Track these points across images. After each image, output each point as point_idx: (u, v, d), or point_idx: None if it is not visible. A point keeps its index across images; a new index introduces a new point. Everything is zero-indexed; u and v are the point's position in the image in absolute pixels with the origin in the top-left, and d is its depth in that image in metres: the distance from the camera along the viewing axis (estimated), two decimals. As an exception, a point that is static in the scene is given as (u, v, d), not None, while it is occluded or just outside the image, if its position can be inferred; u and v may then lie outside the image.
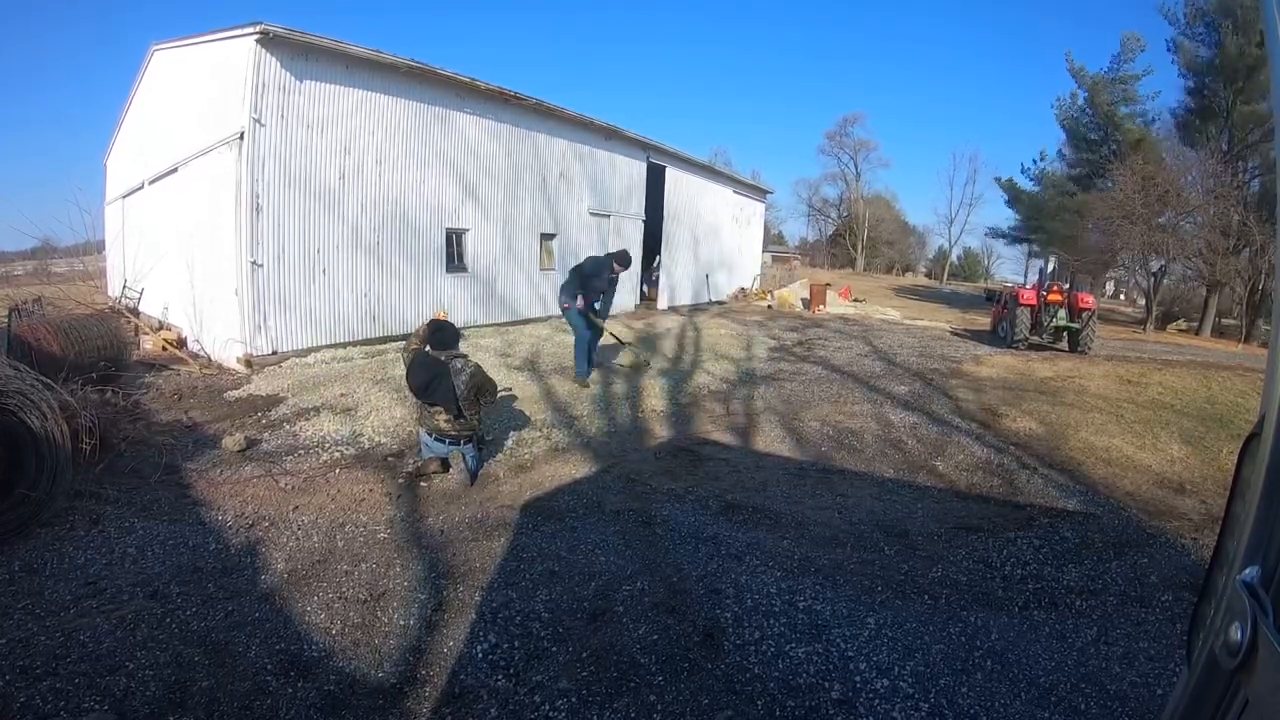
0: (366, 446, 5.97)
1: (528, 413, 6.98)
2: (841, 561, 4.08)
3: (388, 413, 6.76)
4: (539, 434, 6.43)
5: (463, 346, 5.66)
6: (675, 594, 3.55)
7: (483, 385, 5.13)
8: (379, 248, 10.66)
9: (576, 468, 5.65)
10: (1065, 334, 14.28)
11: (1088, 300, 14.10)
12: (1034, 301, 14.17)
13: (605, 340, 9.01)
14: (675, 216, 19.34)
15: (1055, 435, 7.04)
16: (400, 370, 8.37)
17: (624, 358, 9.52)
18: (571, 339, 8.39)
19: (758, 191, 27.06)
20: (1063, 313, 14.15)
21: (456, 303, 12.20)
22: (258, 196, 8.89)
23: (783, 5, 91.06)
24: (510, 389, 7.67)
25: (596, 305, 8.29)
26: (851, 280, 36.51)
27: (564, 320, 8.98)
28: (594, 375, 8.42)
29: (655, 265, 19.72)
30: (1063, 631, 3.37)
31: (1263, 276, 23.38)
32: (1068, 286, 14.84)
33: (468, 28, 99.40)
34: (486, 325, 12.67)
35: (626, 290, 17.61)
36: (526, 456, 5.88)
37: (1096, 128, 30.84)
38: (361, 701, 2.72)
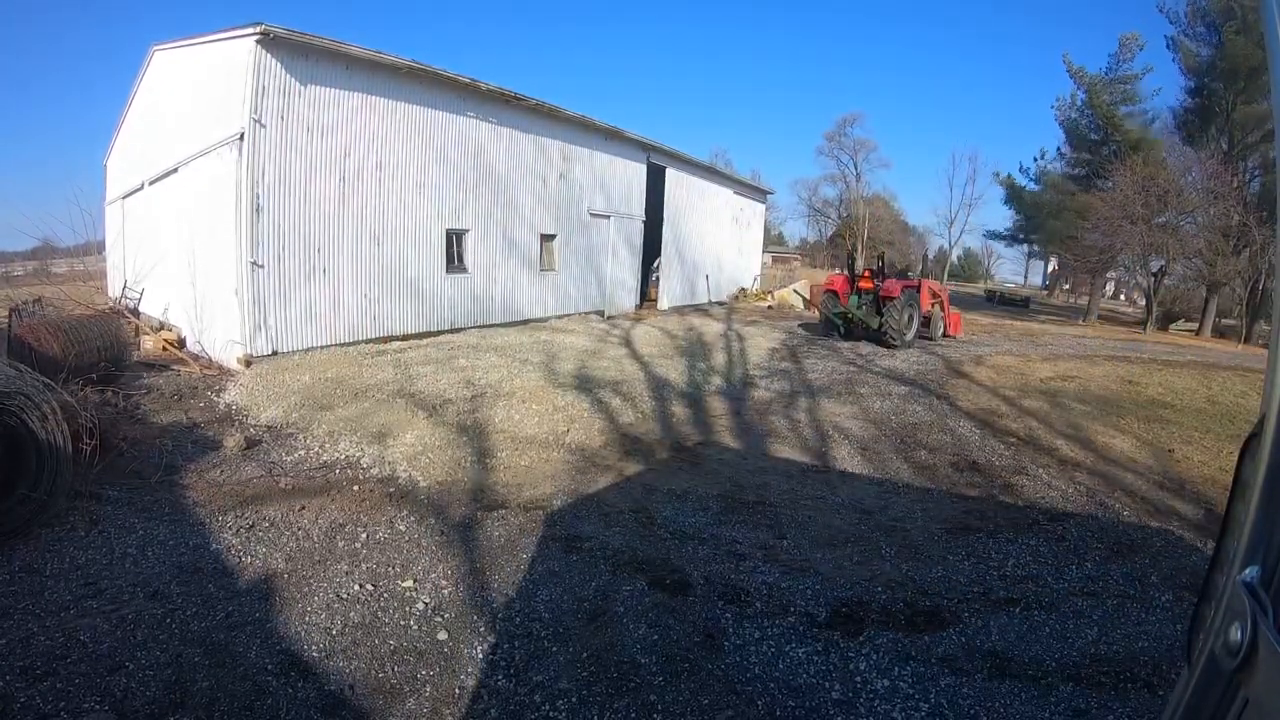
0: (367, 446, 5.96)
1: (527, 412, 6.97)
2: (841, 561, 4.08)
3: (387, 411, 6.76)
4: (536, 433, 6.43)
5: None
6: (675, 594, 3.56)
7: None
8: (379, 248, 10.66)
9: (577, 467, 5.64)
10: (866, 327, 12.85)
11: (894, 289, 12.78)
12: (840, 287, 13.32)
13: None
14: (676, 217, 19.34)
15: (1055, 435, 7.04)
16: (400, 371, 8.37)
17: None
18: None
19: (758, 192, 27.07)
20: (855, 299, 13.11)
21: (456, 303, 12.20)
22: (258, 197, 8.89)
23: (782, 6, 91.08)
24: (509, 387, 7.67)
25: None
26: (852, 280, 36.38)
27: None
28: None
29: (655, 266, 19.72)
30: (1063, 631, 3.37)
31: (1263, 276, 23.37)
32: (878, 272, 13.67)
33: (469, 31, 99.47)
34: (486, 326, 12.67)
35: (627, 290, 17.64)
36: (526, 454, 5.87)
37: (1096, 128, 30.81)
38: (361, 701, 2.72)
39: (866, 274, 13.48)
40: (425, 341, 10.74)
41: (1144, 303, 29.27)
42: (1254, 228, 22.78)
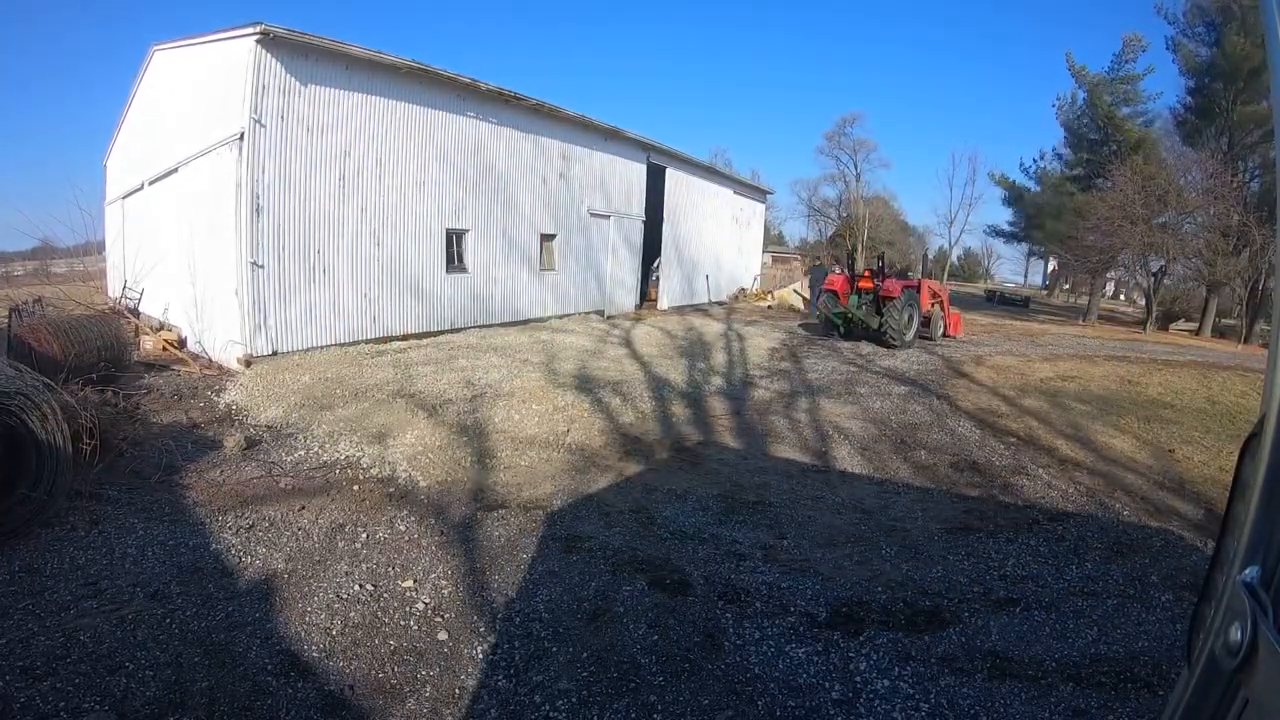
0: (367, 446, 5.96)
1: (527, 412, 6.97)
2: (841, 561, 4.08)
3: (387, 411, 6.76)
4: (537, 433, 6.43)
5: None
6: (675, 594, 3.55)
7: None
8: (379, 248, 10.66)
9: (577, 467, 5.64)
10: (866, 327, 12.93)
11: (894, 289, 12.89)
12: (840, 287, 13.38)
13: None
14: (676, 217, 19.34)
15: (1055, 435, 7.04)
16: (400, 371, 8.38)
17: None
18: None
19: (758, 192, 27.07)
20: (855, 299, 13.15)
21: (456, 303, 12.20)
22: (258, 197, 8.89)
23: (782, 6, 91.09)
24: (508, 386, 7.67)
25: None
26: (851, 280, 36.33)
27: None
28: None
29: (655, 266, 19.72)
30: (1063, 631, 3.37)
31: (1263, 276, 23.36)
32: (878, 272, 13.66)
33: (469, 31, 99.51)
34: (486, 326, 12.67)
35: (627, 290, 17.64)
36: (526, 454, 5.87)
37: (1096, 128, 30.77)
38: (361, 702, 2.72)
39: (866, 274, 13.66)
40: (425, 341, 10.75)
41: (1144, 303, 29.22)
42: (1254, 228, 22.76)
